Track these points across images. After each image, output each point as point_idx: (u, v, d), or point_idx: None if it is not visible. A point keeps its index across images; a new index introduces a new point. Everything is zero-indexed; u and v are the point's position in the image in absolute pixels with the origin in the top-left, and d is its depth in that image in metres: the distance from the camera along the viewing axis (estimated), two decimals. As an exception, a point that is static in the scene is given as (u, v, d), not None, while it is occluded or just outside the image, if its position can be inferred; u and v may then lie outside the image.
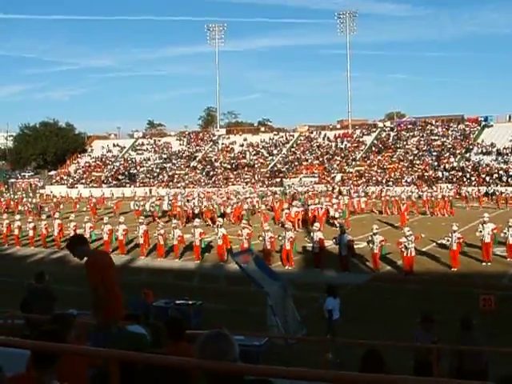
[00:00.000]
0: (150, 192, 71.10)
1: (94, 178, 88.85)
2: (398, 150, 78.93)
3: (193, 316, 16.07)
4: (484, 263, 25.49)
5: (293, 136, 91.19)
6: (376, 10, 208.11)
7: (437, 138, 79.89)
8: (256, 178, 79.37)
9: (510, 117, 79.58)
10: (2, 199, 63.80)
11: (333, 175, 75.59)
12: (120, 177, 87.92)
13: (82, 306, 12.92)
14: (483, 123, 79.45)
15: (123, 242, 31.28)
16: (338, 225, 34.42)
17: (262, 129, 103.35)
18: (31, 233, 35.22)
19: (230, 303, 19.78)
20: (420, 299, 19.41)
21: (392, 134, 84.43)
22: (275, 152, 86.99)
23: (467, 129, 79.95)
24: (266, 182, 75.98)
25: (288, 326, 15.85)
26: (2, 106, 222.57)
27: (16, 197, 66.26)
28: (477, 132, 78.47)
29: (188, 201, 49.25)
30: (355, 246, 26.52)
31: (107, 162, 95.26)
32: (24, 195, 68.30)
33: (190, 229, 31.60)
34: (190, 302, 16.69)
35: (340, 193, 56.40)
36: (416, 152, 77.18)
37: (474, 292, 19.14)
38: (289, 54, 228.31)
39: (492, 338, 12.87)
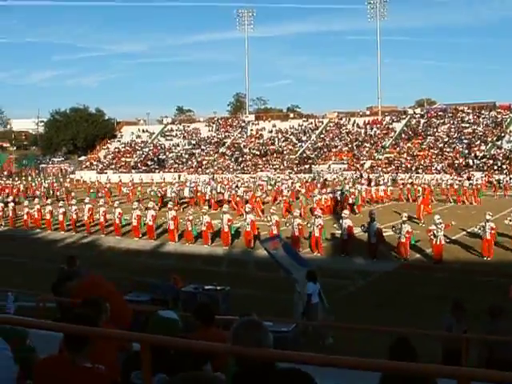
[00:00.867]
0: (179, 178, 71.32)
1: (123, 163, 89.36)
2: (428, 137, 78.21)
3: (221, 301, 16.12)
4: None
5: (322, 122, 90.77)
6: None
7: (468, 125, 78.97)
8: (285, 164, 79.24)
9: (543, 104, 78.48)
10: (33, 184, 64.47)
11: (362, 162, 75.20)
12: (149, 162, 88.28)
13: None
14: (516, 110, 78.38)
15: (153, 227, 31.48)
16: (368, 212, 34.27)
17: (291, 115, 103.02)
18: (61, 217, 35.60)
19: (259, 289, 19.85)
20: (449, 288, 19.29)
21: (422, 121, 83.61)
22: (304, 138, 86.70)
23: (499, 116, 78.82)
24: (295, 169, 75.85)
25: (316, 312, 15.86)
26: (34, 91, 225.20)
27: (47, 182, 66.95)
28: (509, 119, 77.29)
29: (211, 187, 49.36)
30: (384, 234, 26.47)
31: (136, 147, 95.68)
32: (54, 180, 68.99)
33: (219, 215, 31.72)
34: (219, 288, 16.75)
35: (369, 180, 56.08)
36: (446, 139, 76.38)
37: (504, 282, 18.96)
38: (318, 39, 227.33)
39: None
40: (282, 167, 77.98)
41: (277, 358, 3.46)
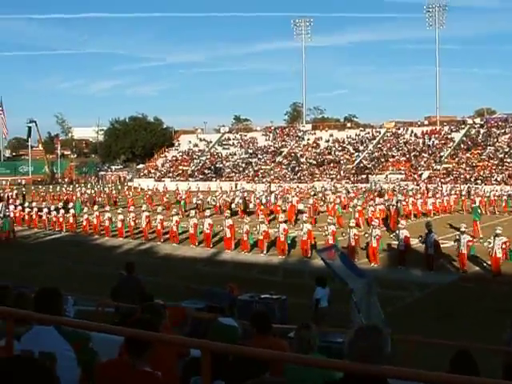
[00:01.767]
0: (236, 186, 71.68)
1: (180, 171, 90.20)
2: (488, 147, 76.79)
3: (277, 310, 16.15)
4: None
5: (379, 132, 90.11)
6: (465, 2, 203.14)
7: (529, 135, 77.41)
8: (341, 174, 78.88)
9: None
10: (93, 191, 65.63)
11: (420, 172, 74.30)
12: (206, 171, 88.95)
13: (168, 297, 13.22)
14: None
15: (209, 235, 31.70)
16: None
17: (348, 124, 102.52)
18: (119, 224, 36.19)
19: (314, 299, 19.79)
20: (508, 301, 18.91)
21: (482, 130, 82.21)
22: (361, 148, 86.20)
23: (562, 126, 77.12)
24: (352, 179, 75.44)
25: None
26: (94, 101, 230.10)
27: (105, 189, 68.11)
28: None
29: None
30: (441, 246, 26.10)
31: (194, 156, 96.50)
32: (113, 188, 70.10)
33: (276, 224, 31.76)
34: (275, 297, 16.77)
35: (427, 190, 55.35)
36: (507, 150, 74.89)
37: None
38: (376, 48, 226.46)
39: None
40: (338, 177, 77.62)
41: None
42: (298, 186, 66.89)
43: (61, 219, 40.74)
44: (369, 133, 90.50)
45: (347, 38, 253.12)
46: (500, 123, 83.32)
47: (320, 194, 53.59)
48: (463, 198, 50.60)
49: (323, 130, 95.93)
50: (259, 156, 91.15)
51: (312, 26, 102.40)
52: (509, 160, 72.06)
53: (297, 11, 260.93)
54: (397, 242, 27.08)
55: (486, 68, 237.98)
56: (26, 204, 47.00)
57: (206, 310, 14.43)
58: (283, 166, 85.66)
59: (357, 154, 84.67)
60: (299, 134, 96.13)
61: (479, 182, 66.84)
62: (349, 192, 55.78)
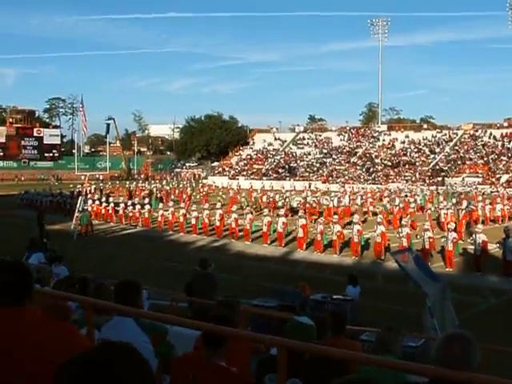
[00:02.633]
0: (309, 186, 71.51)
1: (254, 170, 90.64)
2: None
3: (349, 312, 16.04)
4: None
5: (456, 134, 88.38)
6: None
7: None
8: (417, 176, 77.74)
9: None
10: (168, 188, 66.54)
11: (498, 176, 72.52)
12: (280, 170, 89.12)
13: (240, 294, 13.30)
14: None
15: (282, 234, 31.76)
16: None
17: (425, 126, 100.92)
18: (193, 221, 36.64)
19: (386, 301, 19.61)
20: None
21: None
22: (437, 150, 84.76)
23: None
24: (427, 181, 74.27)
25: (445, 328, 15.48)
26: (170, 99, 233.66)
27: (180, 186, 69.01)
28: None
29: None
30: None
31: (268, 155, 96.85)
32: (188, 185, 70.95)
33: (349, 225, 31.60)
34: (347, 298, 16.68)
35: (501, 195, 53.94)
36: None
37: None
38: (455, 48, 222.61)
39: None
40: (413, 179, 76.54)
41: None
42: (376, 188, 66.35)
43: (137, 214, 41.60)
44: (446, 134, 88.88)
45: (425, 38, 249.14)
46: None
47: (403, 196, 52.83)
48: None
49: (399, 131, 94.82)
50: (333, 156, 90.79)
51: (389, 26, 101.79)
52: None
53: (374, 11, 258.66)
54: (473, 247, 26.53)
55: None
56: (104, 199, 48.06)
57: (277, 309, 14.48)
58: (357, 167, 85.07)
59: (433, 155, 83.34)
60: (374, 135, 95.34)
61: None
62: (425, 194, 54.80)
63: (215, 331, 4.41)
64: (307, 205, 43.45)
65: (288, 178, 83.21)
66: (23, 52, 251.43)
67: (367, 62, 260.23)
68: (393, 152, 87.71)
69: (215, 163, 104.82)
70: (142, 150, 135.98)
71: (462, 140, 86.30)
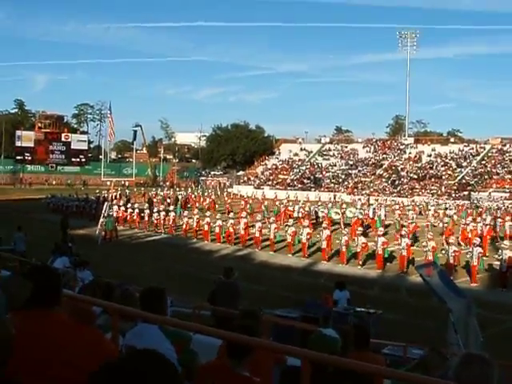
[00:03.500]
0: (335, 197, 71.32)
1: (280, 180, 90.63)
2: None
3: (371, 325, 15.96)
4: None
5: (484, 148, 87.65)
6: None
7: None
8: (442, 189, 77.21)
9: None
10: (193, 195, 66.73)
11: (525, 191, 71.81)
12: (305, 180, 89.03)
13: (263, 304, 13.29)
14: None
15: (306, 245, 31.70)
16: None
17: (452, 139, 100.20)
18: (217, 229, 36.71)
19: (409, 315, 19.49)
20: None
21: None
22: (464, 164, 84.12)
23: None
24: (453, 195, 73.71)
25: (469, 345, 15.32)
26: (198, 107, 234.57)
27: (205, 194, 69.14)
28: None
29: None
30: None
31: (294, 165, 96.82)
32: (212, 193, 71.09)
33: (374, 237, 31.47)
34: (370, 311, 16.61)
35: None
36: None
37: None
38: (483, 62, 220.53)
39: None
40: (439, 192, 76.04)
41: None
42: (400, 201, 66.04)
43: (162, 221, 41.78)
44: (473, 148, 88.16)
45: (454, 51, 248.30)
46: None
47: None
48: None
49: (425, 144, 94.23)
50: (359, 168, 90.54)
51: (418, 38, 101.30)
52: None
53: (403, 23, 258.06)
54: (498, 263, 26.28)
55: None
56: (129, 205, 48.29)
57: (299, 320, 14.45)
58: (383, 179, 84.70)
59: (459, 169, 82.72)
60: (401, 147, 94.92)
61: None
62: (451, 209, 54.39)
63: (240, 341, 4.41)
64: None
65: (313, 189, 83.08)
66: (53, 58, 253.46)
67: (395, 74, 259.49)
68: (419, 165, 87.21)
69: (240, 172, 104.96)
70: (168, 157, 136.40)
71: (490, 154, 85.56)
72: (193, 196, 65.62)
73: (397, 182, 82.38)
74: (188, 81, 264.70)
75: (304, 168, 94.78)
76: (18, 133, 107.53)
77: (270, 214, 46.41)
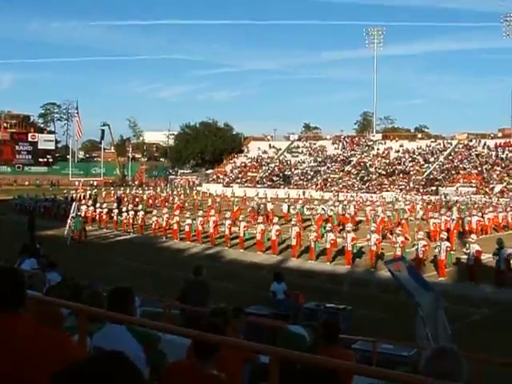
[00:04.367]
0: (304, 194, 71.52)
1: (249, 178, 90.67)
2: None
3: (342, 321, 16.03)
4: None
5: (451, 144, 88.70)
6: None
7: None
8: (411, 185, 77.87)
9: None
10: (162, 194, 66.50)
11: (492, 186, 72.69)
12: (274, 178, 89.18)
13: (233, 302, 13.27)
14: None
15: (276, 242, 31.72)
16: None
17: (419, 135, 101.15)
18: (187, 228, 36.58)
19: (380, 310, 19.60)
20: None
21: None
22: (432, 159, 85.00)
23: None
24: (421, 190, 74.37)
25: (438, 338, 15.45)
26: (166, 105, 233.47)
27: (174, 193, 68.96)
28: None
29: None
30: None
31: (263, 162, 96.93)
32: (182, 191, 70.88)
33: (342, 233, 31.63)
34: (341, 307, 16.67)
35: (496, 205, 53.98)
36: None
37: None
38: (450, 58, 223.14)
39: None
40: (407, 188, 76.68)
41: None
42: (369, 197, 66.48)
43: (130, 220, 41.53)
44: (440, 144, 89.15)
45: (420, 48, 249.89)
46: None
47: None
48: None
49: (393, 140, 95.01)
50: (328, 165, 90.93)
51: (384, 35, 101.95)
52: None
53: (369, 20, 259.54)
54: (466, 257, 26.53)
55: None
56: (98, 205, 47.94)
57: (270, 317, 14.47)
58: (352, 176, 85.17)
59: (427, 165, 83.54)
60: (369, 144, 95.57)
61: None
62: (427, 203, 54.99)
63: (206, 339, 4.39)
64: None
65: (282, 186, 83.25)
66: (19, 57, 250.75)
67: (363, 71, 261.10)
68: (387, 161, 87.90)
69: (209, 170, 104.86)
70: (136, 156, 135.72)
71: (457, 150, 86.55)
72: (162, 195, 65.40)
73: (365, 179, 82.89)
74: (156, 79, 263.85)
75: (273, 165, 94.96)
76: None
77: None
